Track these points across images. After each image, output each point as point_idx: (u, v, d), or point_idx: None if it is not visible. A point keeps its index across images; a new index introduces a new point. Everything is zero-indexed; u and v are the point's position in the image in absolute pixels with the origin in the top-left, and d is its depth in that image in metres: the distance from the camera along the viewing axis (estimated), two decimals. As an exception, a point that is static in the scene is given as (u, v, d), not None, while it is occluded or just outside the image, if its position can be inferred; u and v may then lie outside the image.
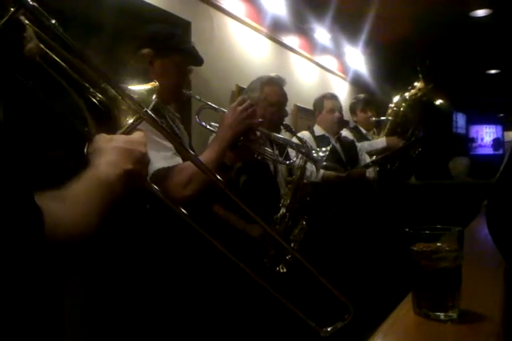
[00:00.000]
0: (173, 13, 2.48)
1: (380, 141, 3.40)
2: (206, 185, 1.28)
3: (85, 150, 0.71)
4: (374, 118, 3.56)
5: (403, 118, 3.67)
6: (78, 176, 0.63)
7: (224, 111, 1.48)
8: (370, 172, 3.04)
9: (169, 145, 1.33)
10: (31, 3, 0.69)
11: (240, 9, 3.12)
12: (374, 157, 3.15)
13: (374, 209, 2.94)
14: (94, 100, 0.77)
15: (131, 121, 0.78)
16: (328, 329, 1.23)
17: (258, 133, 1.53)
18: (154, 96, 0.86)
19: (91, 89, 0.77)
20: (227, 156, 1.43)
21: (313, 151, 1.76)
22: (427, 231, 0.79)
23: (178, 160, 1.33)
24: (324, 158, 1.70)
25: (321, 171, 2.62)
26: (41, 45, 0.72)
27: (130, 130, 0.76)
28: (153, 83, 0.90)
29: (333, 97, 3.00)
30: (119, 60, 1.51)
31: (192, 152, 1.48)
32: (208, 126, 1.60)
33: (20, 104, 0.57)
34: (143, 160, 0.72)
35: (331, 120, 2.91)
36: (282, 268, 1.90)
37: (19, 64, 0.69)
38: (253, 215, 1.14)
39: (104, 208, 0.64)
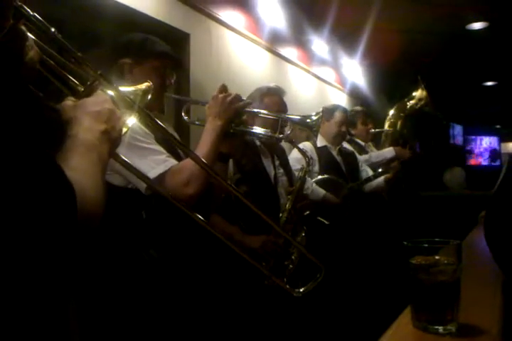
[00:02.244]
0: (173, 26, 2.51)
1: (389, 151, 3.39)
2: (208, 182, 1.28)
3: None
4: (373, 130, 3.57)
5: (403, 130, 3.68)
6: (63, 150, 0.64)
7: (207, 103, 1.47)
8: (380, 183, 3.04)
9: (159, 148, 1.32)
10: (32, 13, 0.71)
11: (239, 21, 3.16)
12: (380, 169, 3.13)
13: (383, 221, 2.93)
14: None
15: (130, 120, 0.81)
16: (301, 289, 1.24)
17: (245, 116, 1.50)
18: (149, 96, 0.90)
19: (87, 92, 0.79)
20: (223, 145, 1.42)
21: (308, 120, 1.71)
22: (426, 245, 0.79)
23: (173, 161, 1.32)
24: (320, 122, 1.67)
25: (322, 192, 2.60)
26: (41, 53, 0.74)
27: (89, 92, 0.78)
28: (147, 83, 0.92)
29: (345, 111, 3.00)
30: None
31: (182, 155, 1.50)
32: (197, 122, 1.60)
33: (24, 106, 0.59)
34: (113, 116, 0.74)
35: (337, 132, 2.90)
36: (284, 278, 1.89)
37: (21, 71, 0.71)
38: (257, 211, 1.15)
39: (101, 174, 0.66)
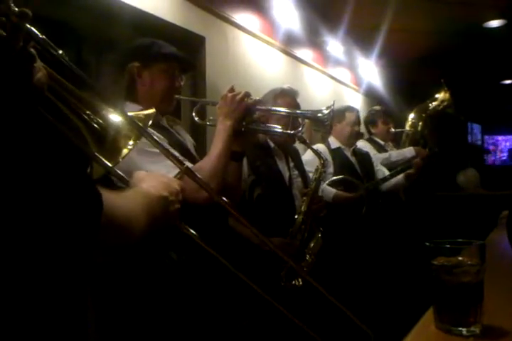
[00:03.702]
0: (188, 29, 2.52)
1: (408, 150, 3.36)
2: (222, 185, 1.29)
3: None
4: (394, 130, 3.56)
5: (424, 130, 3.66)
6: (121, 191, 0.70)
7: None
8: (400, 180, 3.01)
9: (174, 152, 1.31)
10: (41, 36, 0.74)
11: (254, 24, 3.17)
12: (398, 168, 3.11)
13: (400, 221, 2.90)
14: (95, 125, 0.81)
15: (131, 142, 0.85)
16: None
17: (257, 113, 1.50)
18: (150, 122, 0.94)
19: (91, 115, 0.81)
20: (235, 144, 1.42)
21: (319, 114, 1.70)
22: (448, 245, 0.78)
23: (188, 164, 1.32)
24: (331, 116, 1.66)
25: (333, 191, 2.59)
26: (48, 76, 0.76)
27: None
28: (151, 110, 0.97)
29: (355, 111, 2.98)
30: (109, 78, 1.54)
31: (197, 156, 1.50)
32: (208, 123, 1.60)
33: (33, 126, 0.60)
34: (177, 195, 0.80)
35: (350, 133, 2.89)
36: (298, 282, 1.88)
37: (29, 93, 0.72)
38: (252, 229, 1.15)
39: (148, 220, 0.69)
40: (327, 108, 1.65)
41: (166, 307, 1.25)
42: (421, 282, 0.83)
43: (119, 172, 0.84)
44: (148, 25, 2.25)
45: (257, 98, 1.50)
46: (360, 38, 3.96)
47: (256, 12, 3.16)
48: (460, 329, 0.74)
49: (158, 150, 1.28)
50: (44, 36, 0.75)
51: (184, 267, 1.31)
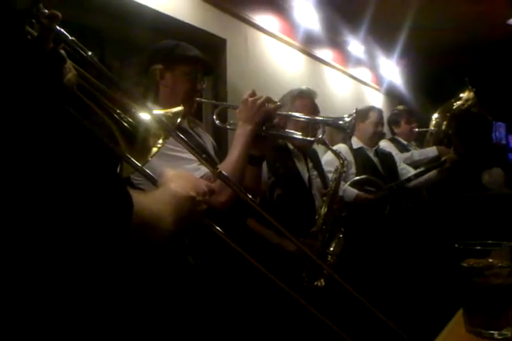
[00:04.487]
0: (209, 31, 2.54)
1: (431, 150, 3.33)
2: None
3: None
4: (417, 129, 3.51)
5: (448, 130, 3.61)
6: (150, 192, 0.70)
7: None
8: (432, 175, 2.97)
9: (191, 157, 1.31)
10: (70, 37, 0.75)
11: (274, 25, 3.17)
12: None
13: (424, 221, 2.86)
14: (125, 124, 0.81)
15: (161, 141, 0.84)
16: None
17: (277, 119, 1.48)
18: (179, 119, 0.93)
19: (122, 115, 0.82)
20: (254, 148, 1.41)
21: (340, 121, 1.67)
22: (478, 247, 0.76)
23: (204, 169, 1.32)
24: (353, 123, 1.62)
25: (354, 191, 2.57)
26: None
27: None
28: (179, 108, 0.95)
29: (379, 111, 2.96)
30: (131, 80, 1.55)
31: (217, 160, 1.51)
32: (228, 126, 1.60)
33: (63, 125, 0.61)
34: (204, 195, 0.81)
35: (373, 133, 2.87)
36: (321, 282, 1.87)
37: (59, 93, 0.74)
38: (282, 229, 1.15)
39: (175, 220, 0.70)
40: (349, 115, 1.61)
41: (181, 310, 1.24)
42: (449, 284, 0.82)
43: (148, 172, 0.85)
44: (169, 27, 2.27)
45: (278, 103, 1.49)
46: (382, 36, 3.92)
47: (276, 13, 3.16)
48: (491, 332, 0.73)
49: (177, 154, 1.30)
50: (73, 38, 0.76)
51: (200, 271, 1.31)
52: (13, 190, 0.46)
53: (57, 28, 0.72)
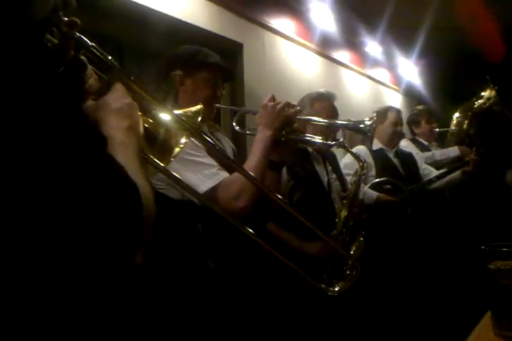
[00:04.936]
0: (225, 36, 2.56)
1: (453, 150, 3.28)
2: (259, 194, 1.26)
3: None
4: (438, 129, 3.46)
5: (469, 129, 3.55)
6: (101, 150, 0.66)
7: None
8: (455, 176, 2.90)
9: (210, 161, 1.33)
10: (90, 43, 0.77)
11: (290, 28, 3.17)
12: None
13: (447, 223, 2.82)
14: (146, 124, 0.82)
15: (183, 140, 0.84)
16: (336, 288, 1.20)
17: (296, 123, 1.47)
18: (199, 118, 0.92)
19: (143, 116, 0.83)
20: (274, 153, 1.40)
21: (361, 125, 1.62)
22: (505, 249, 0.75)
23: (224, 174, 1.32)
24: (373, 127, 1.60)
25: (375, 194, 2.54)
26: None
27: (107, 86, 0.79)
28: (198, 106, 0.95)
29: (398, 111, 2.92)
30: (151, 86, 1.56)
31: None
32: (248, 132, 1.60)
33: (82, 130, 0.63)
34: (133, 111, 0.75)
35: (392, 134, 2.83)
36: (341, 285, 1.86)
37: (81, 98, 0.76)
38: (311, 225, 1.15)
39: (142, 169, 0.67)
40: (370, 119, 1.59)
41: (200, 314, 1.25)
42: (476, 286, 0.80)
43: (172, 172, 0.85)
44: (186, 33, 2.30)
45: (298, 108, 1.48)
46: (401, 36, 3.88)
47: (292, 16, 3.16)
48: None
49: (196, 159, 1.30)
50: (93, 43, 0.77)
51: (220, 276, 1.32)
52: (32, 186, 0.47)
53: (77, 34, 0.74)
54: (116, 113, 0.72)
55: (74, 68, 0.75)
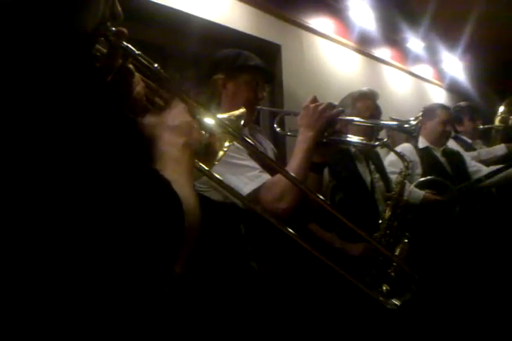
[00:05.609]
0: (263, 38, 2.57)
1: (500, 148, 3.13)
2: (301, 195, 1.26)
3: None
4: (483, 127, 3.32)
5: None
6: (155, 164, 0.68)
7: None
8: (509, 174, 2.75)
9: (253, 164, 1.33)
10: (137, 51, 0.79)
11: (328, 27, 3.14)
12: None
13: (496, 223, 2.71)
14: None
15: (226, 144, 0.85)
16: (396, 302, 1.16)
17: (338, 125, 1.46)
18: (242, 122, 0.93)
19: None
20: (316, 154, 1.39)
21: (406, 125, 1.57)
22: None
23: (266, 176, 1.32)
24: (419, 126, 1.55)
25: (421, 193, 2.47)
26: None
27: (168, 105, 0.81)
28: (241, 110, 0.96)
29: (448, 109, 2.82)
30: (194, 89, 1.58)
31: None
32: (289, 133, 1.59)
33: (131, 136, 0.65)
34: (191, 128, 0.76)
35: (441, 132, 2.73)
36: (386, 287, 1.82)
37: (130, 105, 0.78)
38: (353, 226, 1.14)
39: (191, 184, 0.69)
40: (415, 118, 1.54)
41: (245, 316, 1.25)
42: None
43: (217, 176, 0.87)
44: (224, 37, 2.32)
45: (340, 109, 1.47)
46: (445, 31, 3.75)
47: (330, 15, 3.14)
48: None
49: (238, 162, 1.32)
50: (140, 52, 0.80)
51: (264, 278, 1.32)
52: (79, 190, 0.48)
53: (125, 43, 0.76)
54: (173, 130, 0.74)
55: (122, 76, 0.77)
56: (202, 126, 0.84)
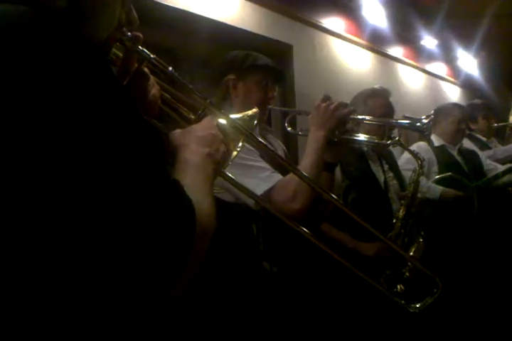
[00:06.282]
0: (275, 39, 2.57)
1: None
2: (314, 195, 1.26)
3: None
4: (497, 125, 3.28)
5: None
6: (174, 172, 0.69)
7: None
8: None
9: (264, 165, 1.33)
10: (152, 55, 0.80)
11: (340, 26, 3.13)
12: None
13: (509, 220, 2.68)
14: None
15: (240, 144, 0.86)
16: (418, 305, 1.15)
17: (350, 124, 1.45)
18: (256, 122, 0.93)
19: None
20: (328, 154, 1.39)
21: (418, 123, 1.58)
22: None
23: (278, 176, 1.32)
24: (430, 125, 1.54)
25: (440, 188, 2.45)
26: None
27: (199, 119, 0.85)
28: (254, 110, 0.96)
29: (463, 108, 2.80)
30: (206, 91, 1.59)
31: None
32: (300, 133, 1.59)
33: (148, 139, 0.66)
34: (216, 140, 0.78)
35: (456, 131, 2.71)
36: (400, 288, 1.81)
37: (146, 107, 0.80)
38: (362, 222, 1.13)
39: (210, 192, 0.70)
40: (427, 117, 1.53)
41: (257, 316, 1.25)
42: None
43: (230, 175, 0.87)
44: (235, 38, 2.33)
45: (351, 108, 1.46)
46: (459, 28, 3.71)
47: (342, 14, 3.12)
48: None
49: (249, 163, 1.31)
50: (155, 55, 0.81)
51: (276, 278, 1.32)
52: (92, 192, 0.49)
53: (140, 48, 0.78)
54: (199, 140, 0.76)
55: (137, 79, 0.79)
56: (218, 127, 0.85)
